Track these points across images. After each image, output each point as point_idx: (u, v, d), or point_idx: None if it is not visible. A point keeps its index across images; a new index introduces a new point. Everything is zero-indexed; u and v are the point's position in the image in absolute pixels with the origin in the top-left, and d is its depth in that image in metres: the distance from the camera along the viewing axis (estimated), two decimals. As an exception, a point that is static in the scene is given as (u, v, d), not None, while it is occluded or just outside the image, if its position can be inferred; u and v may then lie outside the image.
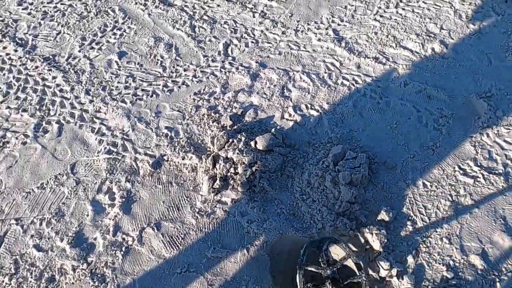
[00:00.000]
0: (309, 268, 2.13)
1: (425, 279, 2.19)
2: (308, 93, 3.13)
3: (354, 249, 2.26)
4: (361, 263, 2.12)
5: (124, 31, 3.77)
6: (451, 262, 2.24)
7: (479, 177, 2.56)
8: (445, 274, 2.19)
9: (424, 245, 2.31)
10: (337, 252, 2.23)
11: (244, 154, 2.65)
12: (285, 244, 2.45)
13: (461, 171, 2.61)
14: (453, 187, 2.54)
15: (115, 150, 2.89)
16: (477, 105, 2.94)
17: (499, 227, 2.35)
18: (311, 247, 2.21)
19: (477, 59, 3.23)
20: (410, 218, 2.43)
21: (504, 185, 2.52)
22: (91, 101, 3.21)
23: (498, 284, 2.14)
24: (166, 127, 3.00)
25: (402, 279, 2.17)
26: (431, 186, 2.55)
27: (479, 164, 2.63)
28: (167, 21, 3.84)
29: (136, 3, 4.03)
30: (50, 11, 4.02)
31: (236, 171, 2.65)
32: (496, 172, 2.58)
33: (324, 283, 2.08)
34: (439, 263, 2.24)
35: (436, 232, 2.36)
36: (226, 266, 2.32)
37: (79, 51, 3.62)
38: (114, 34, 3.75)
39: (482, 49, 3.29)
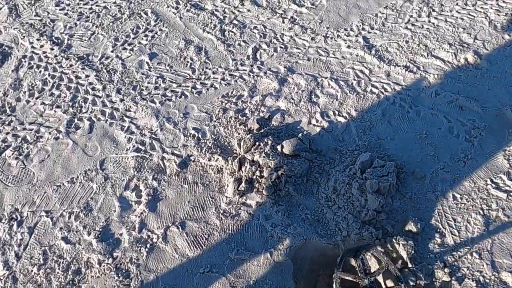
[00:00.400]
0: (346, 277, 2.09)
1: (453, 294, 2.13)
2: (336, 100, 3.11)
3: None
4: (399, 274, 2.06)
5: (156, 33, 3.86)
6: (481, 278, 2.17)
7: (513, 192, 2.48)
8: (474, 290, 2.12)
9: (453, 259, 2.25)
10: (374, 261, 2.20)
11: (270, 158, 2.65)
12: (309, 250, 2.43)
13: (494, 185, 2.53)
14: (484, 201, 2.46)
15: (143, 148, 2.94)
16: (510, 117, 2.85)
17: (533, 244, 2.26)
18: (347, 255, 2.18)
19: (512, 71, 3.15)
20: (438, 230, 2.37)
21: (539, 201, 2.43)
22: (121, 100, 3.29)
23: (531, 303, 2.05)
24: (194, 128, 3.04)
25: (429, 292, 2.12)
26: (461, 198, 2.49)
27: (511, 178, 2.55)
28: (197, 24, 3.90)
29: (168, 6, 4.12)
30: (86, 12, 4.16)
31: (262, 174, 2.65)
32: (531, 187, 2.49)
33: None
34: (469, 278, 2.17)
35: (466, 246, 2.29)
36: (248, 269, 2.31)
37: (112, 51, 3.72)
38: (146, 36, 3.84)
39: (518, 60, 3.20)
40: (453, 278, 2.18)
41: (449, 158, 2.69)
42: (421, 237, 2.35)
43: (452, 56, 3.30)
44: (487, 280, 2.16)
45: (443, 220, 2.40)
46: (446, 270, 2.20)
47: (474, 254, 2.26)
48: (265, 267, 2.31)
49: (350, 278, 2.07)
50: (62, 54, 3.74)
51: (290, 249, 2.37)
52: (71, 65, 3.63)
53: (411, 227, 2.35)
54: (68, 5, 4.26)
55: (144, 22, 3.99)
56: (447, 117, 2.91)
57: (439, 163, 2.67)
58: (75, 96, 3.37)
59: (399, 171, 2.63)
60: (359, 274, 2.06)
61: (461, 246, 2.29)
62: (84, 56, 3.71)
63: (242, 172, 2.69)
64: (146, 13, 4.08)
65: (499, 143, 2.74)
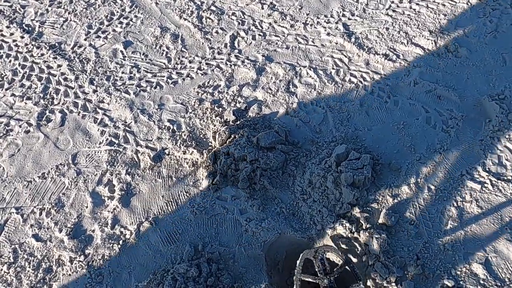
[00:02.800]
0: (306, 279, 2.08)
1: (425, 286, 2.14)
2: (314, 90, 3.06)
3: (351, 257, 2.21)
4: (358, 272, 2.07)
5: (131, 20, 3.73)
6: (453, 271, 2.18)
7: (487, 183, 2.48)
8: (445, 282, 2.13)
9: (426, 251, 2.25)
10: (334, 259, 2.19)
11: (245, 151, 2.61)
12: (283, 244, 2.42)
13: (469, 176, 2.53)
14: (459, 193, 2.47)
15: (116, 141, 2.87)
16: (488, 107, 2.83)
17: (505, 236, 2.28)
18: (307, 255, 2.16)
19: (491, 59, 3.11)
20: (412, 223, 2.37)
21: (513, 192, 2.43)
22: (94, 91, 3.19)
23: (500, 295, 2.08)
24: (169, 120, 2.97)
25: (401, 285, 2.12)
26: (436, 190, 2.48)
27: (487, 169, 2.55)
28: (174, 10, 3.77)
29: (143, -8, 3.97)
30: (58, -2, 3.99)
31: (237, 167, 2.61)
32: (505, 178, 2.49)
33: None
34: (440, 270, 2.18)
35: (439, 238, 2.30)
36: (223, 263, 2.29)
37: (85, 40, 3.59)
38: (121, 23, 3.71)
39: (497, 48, 3.17)
40: (425, 270, 2.19)
41: (426, 149, 2.67)
42: (395, 229, 2.35)
43: (432, 43, 3.25)
44: (458, 272, 2.17)
45: (417, 213, 2.40)
46: (419, 262, 2.21)
47: (447, 245, 2.27)
48: (239, 262, 2.30)
49: (310, 279, 2.07)
50: (33, 43, 3.60)
51: (264, 243, 2.35)
52: (42, 54, 3.50)
53: (385, 220, 2.34)
54: (39, -10, 4.09)
55: (118, 8, 3.85)
56: (425, 107, 2.89)
57: (415, 154, 2.65)
58: (47, 87, 3.26)
59: (375, 163, 2.61)
60: (319, 275, 2.05)
61: (435, 239, 2.30)
62: (56, 44, 3.58)
63: (217, 165, 2.65)
64: (121, -1, 3.94)
65: (476, 134, 2.73)
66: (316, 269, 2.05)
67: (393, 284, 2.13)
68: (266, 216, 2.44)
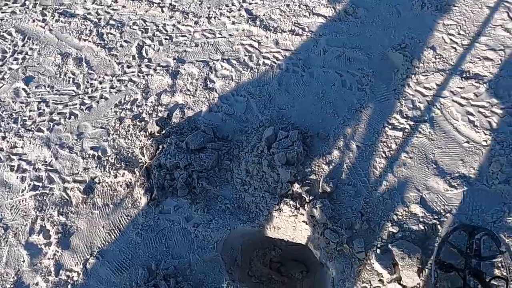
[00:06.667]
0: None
1: (373, 239, 2.25)
2: (232, 80, 3.05)
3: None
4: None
5: (26, 53, 3.48)
6: (395, 217, 2.30)
7: (407, 128, 2.63)
8: (390, 229, 2.25)
9: (368, 206, 2.36)
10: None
11: (177, 158, 2.55)
12: (236, 238, 2.42)
13: (390, 126, 2.67)
14: (385, 144, 2.60)
15: (40, 184, 2.69)
16: (394, 58, 3.00)
17: (432, 172, 2.44)
18: (461, 229, 2.06)
19: (387, 13, 3.29)
20: (350, 183, 2.46)
21: (431, 130, 2.61)
22: (3, 138, 2.95)
23: (439, 227, 2.23)
24: (92, 148, 2.82)
25: (352, 244, 2.21)
26: (364, 147, 2.60)
27: (405, 115, 2.70)
28: (71, 33, 3.57)
29: (33, 21, 3.72)
30: None
31: (172, 177, 2.55)
32: (422, 119, 2.66)
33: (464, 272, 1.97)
34: (384, 220, 2.30)
35: (376, 190, 2.41)
36: (180, 276, 2.24)
37: (-20, 86, 3.30)
38: (16, 59, 3.45)
39: (389, 2, 3.35)
40: (371, 224, 2.29)
41: (347, 111, 2.78)
42: (336, 194, 2.44)
43: (332, 10, 3.36)
44: (400, 217, 2.30)
45: (352, 173, 2.50)
46: (363, 218, 2.31)
47: (385, 195, 2.39)
48: (197, 269, 2.26)
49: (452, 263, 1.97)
50: None
51: (217, 244, 2.34)
52: None
53: (324, 188, 2.41)
54: None
55: (9, 44, 3.57)
56: (338, 72, 2.99)
57: (339, 118, 2.75)
58: None
59: (304, 136, 2.67)
60: (467, 253, 1.97)
61: (373, 192, 2.41)
62: None
63: (152, 180, 2.57)
64: (10, 34, 3.65)
65: (388, 85, 2.88)
66: (467, 246, 1.99)
67: (345, 245, 2.21)
68: (212, 217, 2.42)
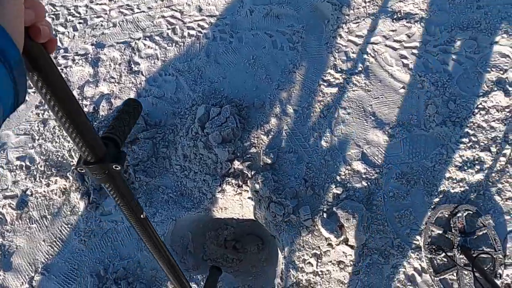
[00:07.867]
0: (437, 231, 2.02)
1: (319, 204, 2.22)
2: (158, 59, 2.84)
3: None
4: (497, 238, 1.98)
5: None
6: (338, 178, 2.27)
7: (342, 83, 2.54)
8: (335, 191, 2.23)
9: (310, 171, 2.31)
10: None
11: (108, 155, 2.40)
12: (184, 227, 2.35)
13: (325, 84, 2.57)
14: (322, 103, 2.51)
15: (-32, 207, 2.50)
16: (322, 8, 2.84)
17: (371, 124, 2.39)
18: (443, 209, 2.06)
19: (311, -42, 3.07)
20: (291, 150, 2.39)
21: (366, 81, 2.53)
22: None
23: (381, 180, 2.22)
24: (18, 158, 2.62)
25: (299, 213, 2.18)
26: (302, 110, 2.50)
27: (339, 69, 2.60)
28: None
29: None
30: None
31: (107, 175, 2.41)
32: (356, 71, 2.57)
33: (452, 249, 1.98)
34: (328, 183, 2.27)
35: (317, 153, 2.36)
36: (131, 276, 2.19)
37: None
38: None
39: None
40: (315, 189, 2.26)
41: (281, 74, 2.65)
42: (278, 164, 2.37)
43: (253, -36, 3.11)
44: (343, 177, 2.27)
45: (292, 139, 2.42)
46: (307, 184, 2.27)
47: (326, 157, 2.34)
48: (147, 267, 2.20)
49: (440, 232, 2.02)
50: None
51: (165, 236, 2.26)
52: None
53: (265, 160, 2.34)
54: None
55: None
56: (268, 32, 2.82)
57: (273, 83, 2.62)
58: None
59: (240, 108, 2.55)
60: (453, 231, 1.99)
61: (314, 156, 2.35)
62: None
63: (87, 182, 2.42)
64: None
65: (320, 39, 2.74)
66: (451, 225, 2.00)
67: (292, 215, 2.18)
68: (156, 210, 2.33)
